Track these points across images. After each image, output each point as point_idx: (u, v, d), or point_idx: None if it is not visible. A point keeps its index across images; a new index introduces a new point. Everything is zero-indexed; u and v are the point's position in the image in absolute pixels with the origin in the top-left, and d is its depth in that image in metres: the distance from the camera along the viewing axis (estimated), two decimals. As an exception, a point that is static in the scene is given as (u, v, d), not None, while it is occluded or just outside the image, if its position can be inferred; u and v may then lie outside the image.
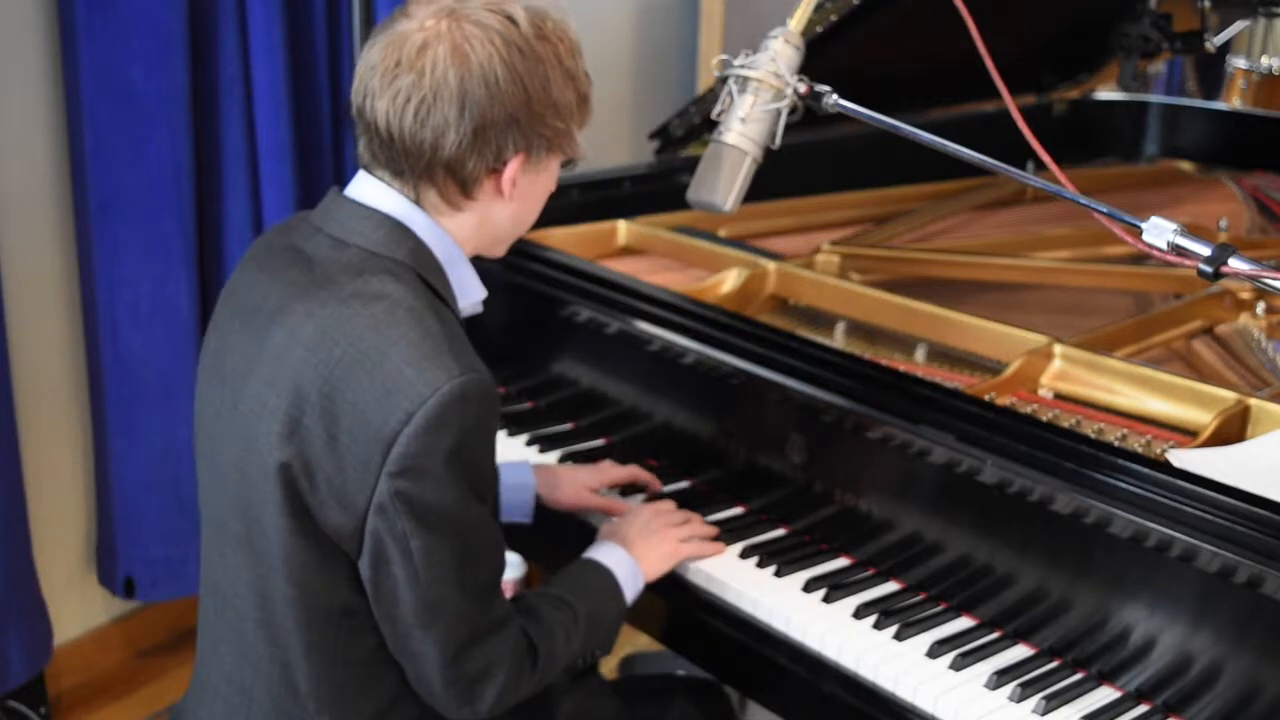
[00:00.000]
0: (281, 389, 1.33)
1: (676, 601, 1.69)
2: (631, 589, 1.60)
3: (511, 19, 1.35)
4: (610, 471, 1.83)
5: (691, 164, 1.57)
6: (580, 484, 1.81)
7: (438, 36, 1.33)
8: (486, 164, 1.37)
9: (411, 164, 1.37)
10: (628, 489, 1.85)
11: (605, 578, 1.58)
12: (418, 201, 1.40)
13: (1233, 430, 1.60)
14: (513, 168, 1.38)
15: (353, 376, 1.30)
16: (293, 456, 1.32)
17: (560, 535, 1.81)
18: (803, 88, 1.48)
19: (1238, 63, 3.18)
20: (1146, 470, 1.43)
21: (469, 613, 1.36)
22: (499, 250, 1.51)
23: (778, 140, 1.49)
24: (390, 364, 1.30)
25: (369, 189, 1.41)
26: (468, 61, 1.32)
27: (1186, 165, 2.93)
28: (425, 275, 1.39)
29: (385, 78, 1.34)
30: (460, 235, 1.43)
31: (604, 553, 1.61)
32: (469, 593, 1.36)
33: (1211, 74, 3.40)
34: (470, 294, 1.47)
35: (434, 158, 1.36)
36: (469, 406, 1.30)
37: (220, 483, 1.42)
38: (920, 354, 1.91)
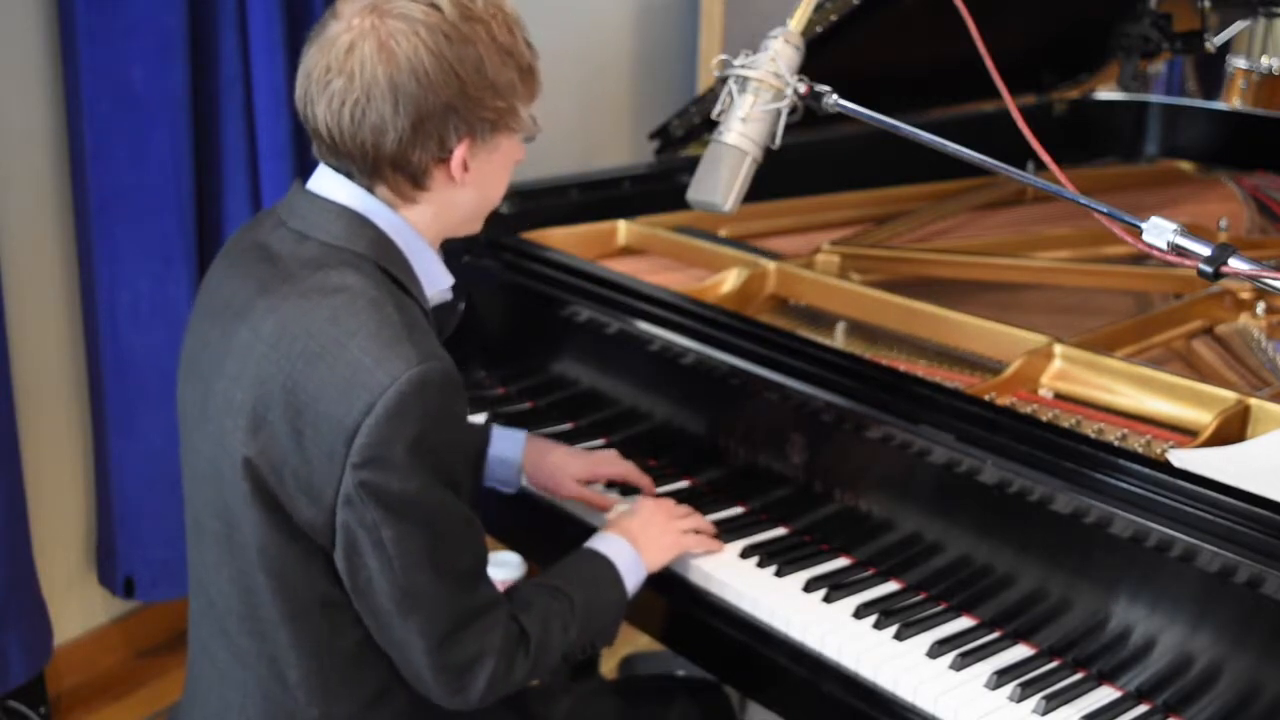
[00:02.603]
0: (246, 385, 1.34)
1: (676, 601, 1.69)
2: (633, 579, 1.59)
3: (435, 5, 1.34)
4: (604, 466, 1.83)
5: (691, 164, 1.57)
6: (567, 473, 1.80)
7: (363, 35, 1.33)
8: (431, 155, 1.37)
9: (358, 164, 1.38)
10: (628, 489, 1.85)
11: (604, 567, 1.58)
12: (374, 195, 1.41)
13: (1233, 430, 1.60)
14: (459, 154, 1.38)
15: (314, 369, 1.31)
16: (259, 452, 1.33)
17: (561, 536, 1.81)
18: (803, 88, 1.48)
19: (1238, 63, 3.18)
20: (1146, 470, 1.43)
21: (449, 599, 1.37)
22: (473, 228, 1.51)
23: (778, 140, 1.49)
24: (350, 355, 1.30)
25: (329, 182, 1.41)
26: (394, 57, 1.32)
27: (1186, 165, 2.93)
28: (386, 266, 1.39)
29: (319, 83, 1.35)
30: (420, 224, 1.43)
31: (604, 543, 1.61)
32: (446, 579, 1.36)
33: (1211, 74, 3.40)
34: (437, 282, 1.47)
35: (378, 156, 1.36)
36: (429, 394, 1.30)
37: (198, 481, 1.43)
38: (909, 353, 1.91)
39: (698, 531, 1.70)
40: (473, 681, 1.40)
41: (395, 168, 1.38)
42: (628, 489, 1.84)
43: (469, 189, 1.42)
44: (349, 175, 1.40)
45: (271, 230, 1.43)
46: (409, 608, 1.35)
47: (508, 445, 1.80)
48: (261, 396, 1.33)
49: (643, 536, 1.63)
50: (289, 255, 1.39)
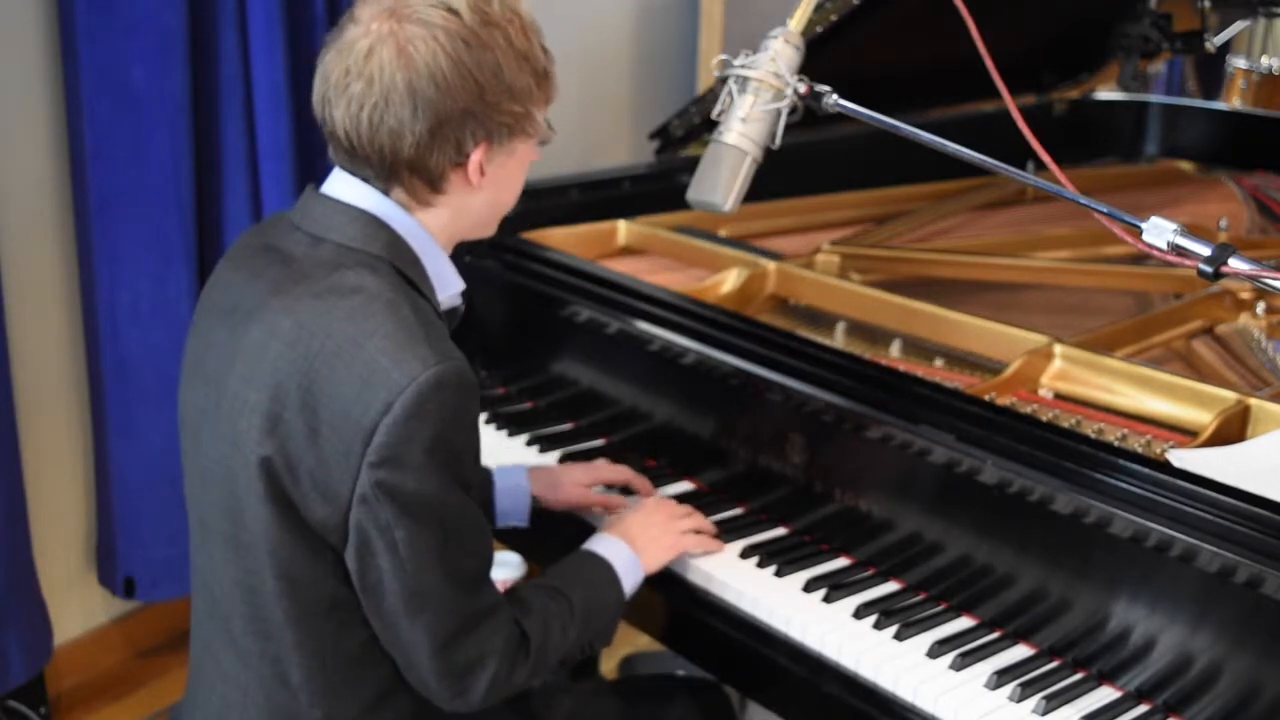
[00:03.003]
0: (261, 385, 1.34)
1: (676, 601, 1.69)
2: (630, 580, 1.60)
3: (453, 10, 1.34)
4: (604, 470, 1.84)
5: (691, 164, 1.57)
6: (576, 482, 1.81)
7: (381, 40, 1.34)
8: (449, 159, 1.37)
9: (375, 168, 1.39)
10: (626, 489, 1.85)
11: (602, 569, 1.58)
12: (389, 198, 1.41)
13: (1233, 430, 1.60)
14: (476, 158, 1.38)
15: (331, 369, 1.31)
16: (275, 451, 1.33)
17: (560, 535, 1.81)
18: (803, 88, 1.48)
19: (1238, 63, 3.18)
20: (1146, 470, 1.43)
21: (457, 601, 1.37)
22: (487, 231, 1.51)
23: (778, 140, 1.49)
24: (367, 355, 1.30)
25: (344, 186, 1.42)
26: (413, 62, 1.33)
27: (1186, 165, 2.93)
28: (401, 268, 1.39)
29: (338, 87, 1.36)
30: (435, 228, 1.44)
31: (602, 544, 1.61)
32: (455, 581, 1.36)
33: (1211, 74, 3.40)
34: (448, 286, 1.47)
35: (395, 160, 1.37)
36: (446, 395, 1.31)
37: (205, 482, 1.43)
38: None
39: (698, 531, 1.70)
40: (474, 684, 1.40)
41: (412, 171, 1.38)
42: (628, 491, 1.85)
43: (484, 193, 1.43)
44: (365, 179, 1.41)
45: (285, 234, 1.43)
46: (417, 609, 1.35)
47: (513, 476, 1.80)
48: (277, 395, 1.33)
49: (641, 537, 1.64)
50: (304, 257, 1.39)
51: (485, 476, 1.79)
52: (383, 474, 1.30)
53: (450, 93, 1.33)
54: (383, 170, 1.38)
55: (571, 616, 1.50)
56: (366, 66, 1.34)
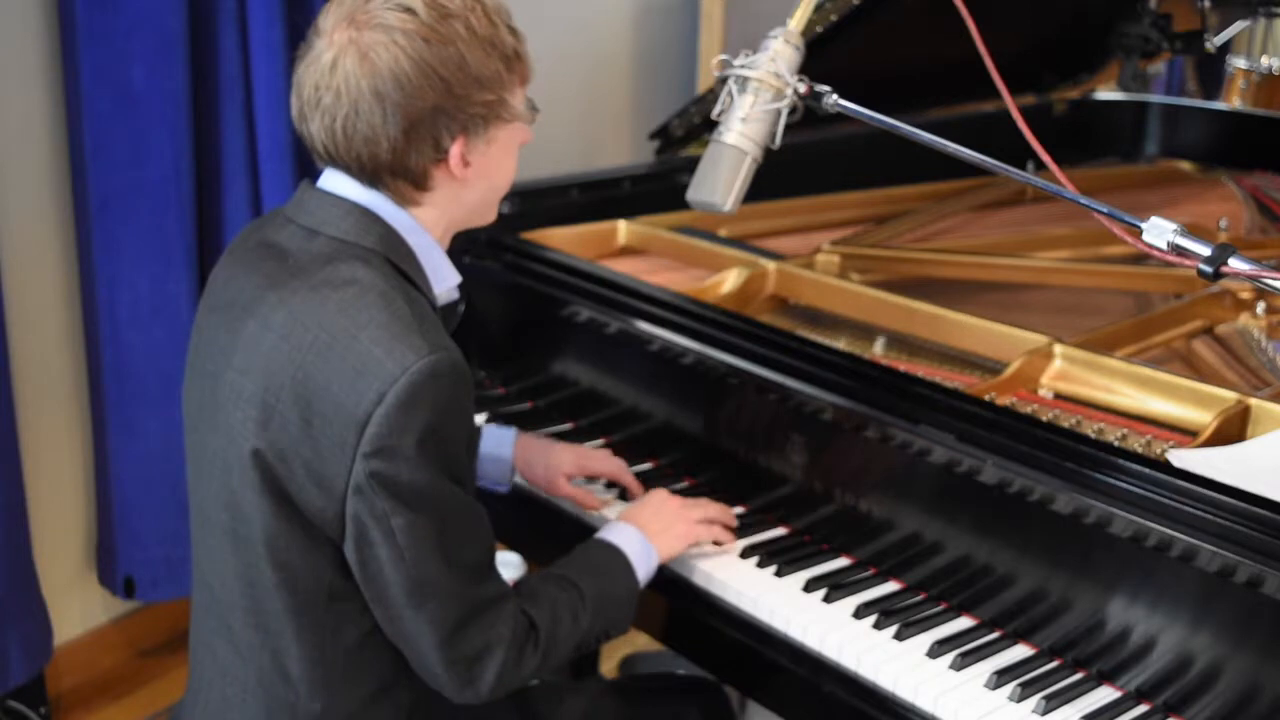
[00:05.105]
0: (255, 377, 1.35)
1: (677, 601, 1.69)
2: (644, 567, 1.59)
3: (410, 9, 1.35)
4: (593, 462, 1.83)
5: (691, 164, 1.57)
6: (556, 468, 1.80)
7: (344, 50, 1.35)
8: (428, 157, 1.38)
9: (357, 176, 1.40)
10: (625, 492, 1.85)
11: (615, 556, 1.58)
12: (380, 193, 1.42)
13: (1233, 430, 1.60)
14: (456, 152, 1.39)
15: (324, 360, 1.32)
16: (269, 443, 1.34)
17: (561, 536, 1.81)
18: (803, 88, 1.48)
19: (1238, 63, 3.18)
20: (1146, 470, 1.43)
21: (459, 591, 1.37)
22: (487, 218, 1.52)
23: (778, 140, 1.49)
24: (360, 346, 1.31)
25: (337, 180, 1.43)
26: (376, 68, 1.34)
27: (1186, 165, 2.93)
28: (396, 260, 1.40)
29: (310, 101, 1.38)
30: (428, 222, 1.44)
31: (613, 532, 1.61)
32: (456, 570, 1.37)
33: (1211, 74, 3.40)
34: (444, 280, 1.48)
35: (375, 166, 1.38)
36: (440, 385, 1.31)
37: (205, 475, 1.44)
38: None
39: (711, 521, 1.70)
40: (482, 674, 1.40)
41: (394, 174, 1.39)
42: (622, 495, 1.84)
43: (473, 183, 1.43)
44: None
45: (280, 228, 1.44)
46: (420, 599, 1.35)
47: (498, 443, 1.80)
48: (271, 388, 1.34)
49: (654, 524, 1.63)
50: (298, 250, 1.40)
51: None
52: (377, 464, 1.30)
53: (417, 93, 1.34)
54: (365, 177, 1.40)
55: (583, 605, 1.50)
56: (333, 78, 1.35)
